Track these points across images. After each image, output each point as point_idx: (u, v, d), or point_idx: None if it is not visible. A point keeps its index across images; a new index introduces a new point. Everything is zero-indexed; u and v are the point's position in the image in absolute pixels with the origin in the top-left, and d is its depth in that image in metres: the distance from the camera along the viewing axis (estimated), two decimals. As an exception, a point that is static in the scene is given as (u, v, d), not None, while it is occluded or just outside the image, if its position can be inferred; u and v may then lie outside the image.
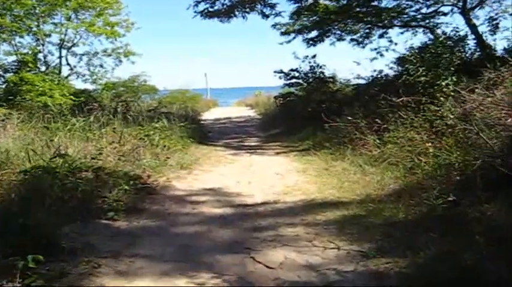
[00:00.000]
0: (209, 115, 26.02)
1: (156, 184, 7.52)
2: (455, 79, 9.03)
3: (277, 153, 11.12)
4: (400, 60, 12.74)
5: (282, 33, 18.41)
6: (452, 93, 8.84)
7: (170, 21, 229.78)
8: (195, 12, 14.22)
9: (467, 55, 12.51)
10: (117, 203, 5.98)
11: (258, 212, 6.03)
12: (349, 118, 9.84)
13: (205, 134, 14.91)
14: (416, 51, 10.85)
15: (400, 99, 9.27)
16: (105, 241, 4.89)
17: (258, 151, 11.65)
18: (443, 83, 9.09)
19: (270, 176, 8.28)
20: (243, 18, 15.03)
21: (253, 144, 13.39)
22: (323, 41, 18.47)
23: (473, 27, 13.48)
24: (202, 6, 14.21)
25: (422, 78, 9.42)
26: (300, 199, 6.54)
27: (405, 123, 8.74)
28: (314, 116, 13.80)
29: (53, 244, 4.34)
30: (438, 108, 8.63)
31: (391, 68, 14.08)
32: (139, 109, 13.98)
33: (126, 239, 5.00)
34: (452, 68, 9.44)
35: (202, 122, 21.08)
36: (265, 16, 14.96)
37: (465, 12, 13.81)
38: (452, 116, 7.79)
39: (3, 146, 7.37)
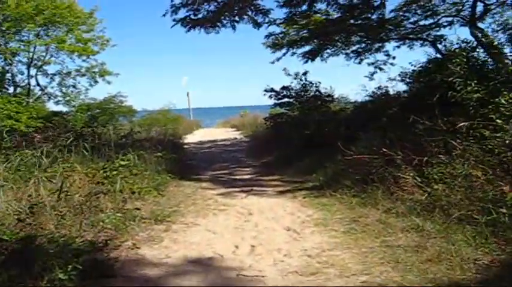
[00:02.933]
0: (192, 138, 23.76)
1: (117, 254, 5.10)
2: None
3: (280, 192, 8.73)
4: (421, 74, 10.57)
5: (273, 46, 16.42)
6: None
7: (149, 38, 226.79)
8: (174, 20, 11.85)
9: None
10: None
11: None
12: (375, 148, 7.55)
13: (188, 165, 12.49)
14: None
15: (439, 121, 7.13)
16: None
17: (254, 187, 9.26)
18: (503, 101, 6.87)
19: (280, 235, 5.91)
20: (232, 28, 12.78)
21: (246, 177, 11.00)
22: (321, 54, 16.58)
23: (482, 38, 11.45)
24: (182, 14, 11.88)
25: (475, 95, 7.18)
26: (339, 288, 4.18)
27: (457, 155, 6.53)
28: (314, 141, 11.66)
29: None
30: (500, 134, 6.46)
31: (408, 82, 11.97)
32: (109, 136, 11.53)
33: None
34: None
35: (185, 146, 18.87)
36: (257, 25, 12.71)
37: (472, 23, 11.80)
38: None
39: None
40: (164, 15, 11.79)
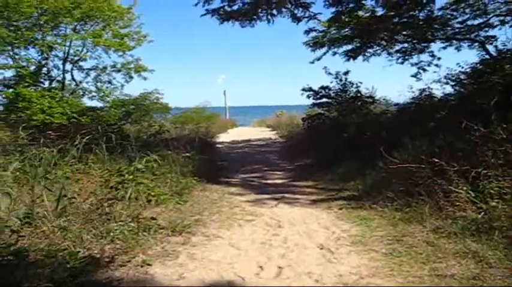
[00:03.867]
0: (226, 137, 23.18)
1: (123, 273, 4.46)
2: None
3: (314, 201, 7.96)
4: (473, 76, 9.63)
5: (313, 45, 15.69)
6: None
7: (187, 35, 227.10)
8: (206, 10, 11.15)
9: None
10: None
11: None
12: (423, 157, 6.70)
13: (218, 167, 11.84)
14: None
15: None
16: None
17: (286, 195, 8.52)
18: None
19: (312, 254, 5.16)
20: (268, 22, 12.04)
21: (279, 181, 10.26)
22: (365, 53, 15.79)
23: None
24: (216, 4, 11.17)
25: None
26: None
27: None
28: (353, 145, 10.82)
29: None
30: None
31: (455, 85, 11.02)
32: (137, 134, 11.00)
33: None
34: None
35: (218, 145, 18.30)
36: (297, 19, 11.91)
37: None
38: None
39: None
40: (196, 4, 11.15)
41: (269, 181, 10.31)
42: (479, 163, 6.12)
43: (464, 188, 5.86)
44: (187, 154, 10.17)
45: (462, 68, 11.59)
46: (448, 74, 11.94)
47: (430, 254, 4.86)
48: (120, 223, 5.38)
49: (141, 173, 6.66)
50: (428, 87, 12.58)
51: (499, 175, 5.83)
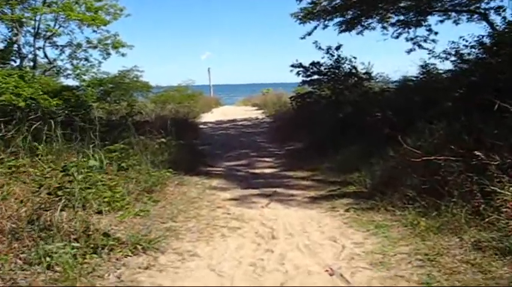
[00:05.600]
0: (210, 117, 21.75)
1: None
2: None
3: (313, 199, 6.58)
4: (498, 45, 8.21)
5: (303, 18, 14.38)
6: None
7: (168, 10, 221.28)
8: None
9: None
10: None
11: None
12: (453, 147, 5.34)
13: (199, 153, 10.38)
14: None
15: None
16: None
17: (278, 189, 7.16)
18: None
19: (319, 282, 3.82)
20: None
21: (268, 171, 8.87)
22: (359, 25, 14.48)
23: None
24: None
25: None
26: None
27: None
28: (350, 127, 9.51)
29: None
30: None
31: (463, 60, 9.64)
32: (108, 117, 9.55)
33: None
34: None
35: (201, 126, 16.90)
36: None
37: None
38: None
39: None
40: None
41: (257, 171, 8.92)
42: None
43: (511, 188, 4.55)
44: (163, 140, 8.75)
45: (467, 41, 10.41)
46: (452, 47, 10.65)
47: (478, 282, 3.55)
48: (60, 242, 3.97)
49: (97, 170, 5.22)
50: (432, 64, 11.24)
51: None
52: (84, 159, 5.33)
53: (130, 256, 4.28)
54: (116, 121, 10.23)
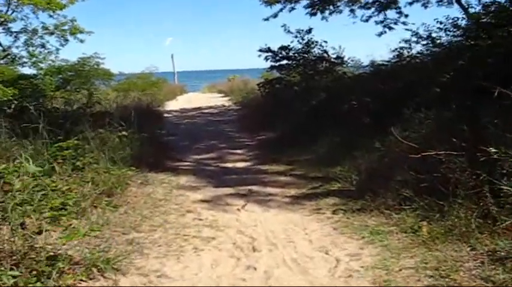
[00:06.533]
0: (175, 104, 20.94)
1: None
2: None
3: (295, 198, 5.88)
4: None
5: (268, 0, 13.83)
6: None
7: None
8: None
9: None
10: None
11: None
12: (455, 139, 4.72)
13: (163, 146, 9.53)
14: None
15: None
16: None
17: (254, 187, 6.44)
18: None
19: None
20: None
21: (241, 165, 8.14)
22: (325, 9, 13.92)
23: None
24: None
25: None
26: None
27: None
28: (325, 116, 8.91)
29: None
30: None
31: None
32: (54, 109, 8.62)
33: None
34: None
35: (166, 115, 16.07)
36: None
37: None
38: None
39: None
40: None
41: (229, 165, 8.19)
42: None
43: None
44: (124, 133, 7.91)
45: (441, 24, 9.93)
46: (425, 30, 10.19)
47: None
48: (-7, 270, 3.17)
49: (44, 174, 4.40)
50: (409, 46, 10.69)
51: None
52: (22, 162, 4.45)
53: (84, 281, 3.52)
54: (71, 112, 9.27)
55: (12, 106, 8.43)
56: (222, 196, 6.03)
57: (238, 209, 5.45)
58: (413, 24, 11.99)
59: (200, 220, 5.07)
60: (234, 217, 5.21)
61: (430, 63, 8.36)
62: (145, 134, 8.47)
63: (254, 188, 6.39)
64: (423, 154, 4.67)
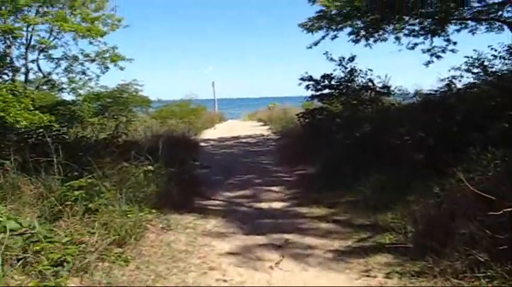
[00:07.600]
0: (213, 133, 20.40)
1: None
2: None
3: (338, 253, 4.93)
4: None
5: (310, 27, 13.22)
6: None
7: (169, 22, 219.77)
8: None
9: None
10: None
11: None
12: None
13: (194, 181, 8.74)
14: None
15: None
16: None
17: (291, 236, 5.55)
18: None
19: None
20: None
21: (277, 206, 7.25)
22: (373, 33, 13.16)
23: None
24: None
25: None
26: None
27: None
28: (371, 148, 7.99)
29: None
30: None
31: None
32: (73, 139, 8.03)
33: None
34: None
35: (202, 144, 15.47)
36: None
37: None
38: None
39: None
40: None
41: (263, 205, 7.32)
42: None
43: None
44: (150, 167, 7.20)
45: (496, 51, 9.29)
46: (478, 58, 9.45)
47: None
48: None
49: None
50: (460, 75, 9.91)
51: None
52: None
53: None
54: (94, 143, 8.65)
55: (34, 135, 7.88)
56: (252, 247, 5.17)
57: (271, 267, 4.56)
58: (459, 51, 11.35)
59: (225, 281, 4.22)
60: (265, 276, 4.33)
61: (494, 93, 7.33)
62: (173, 168, 7.72)
63: (291, 237, 5.49)
64: (505, 210, 3.70)
